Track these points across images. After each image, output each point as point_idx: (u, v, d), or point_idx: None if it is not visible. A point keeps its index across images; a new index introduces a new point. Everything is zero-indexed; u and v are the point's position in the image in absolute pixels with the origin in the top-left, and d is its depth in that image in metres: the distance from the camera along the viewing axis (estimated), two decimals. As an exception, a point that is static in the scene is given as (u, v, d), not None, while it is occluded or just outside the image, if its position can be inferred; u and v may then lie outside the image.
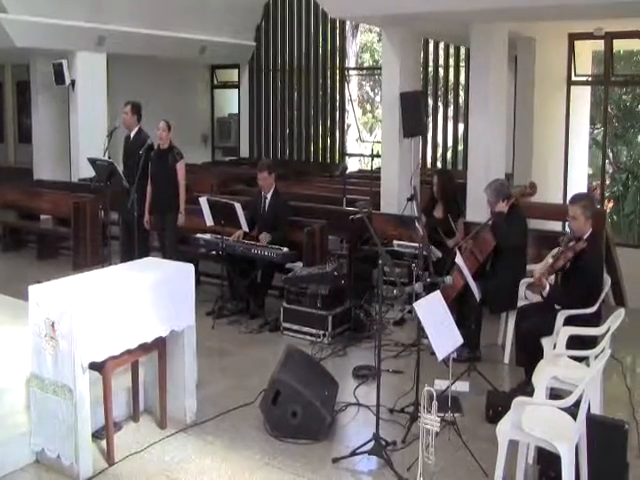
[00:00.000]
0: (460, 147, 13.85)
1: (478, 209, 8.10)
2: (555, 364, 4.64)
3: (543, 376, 4.31)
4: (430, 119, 13.53)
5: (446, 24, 9.56)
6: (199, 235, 7.55)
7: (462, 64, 13.61)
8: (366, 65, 19.73)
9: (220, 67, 16.57)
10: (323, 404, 4.76)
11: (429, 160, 14.02)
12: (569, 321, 5.09)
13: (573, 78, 11.44)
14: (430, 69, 13.85)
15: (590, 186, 14.11)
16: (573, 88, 11.48)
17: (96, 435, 4.51)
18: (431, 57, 13.86)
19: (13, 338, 5.10)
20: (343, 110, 15.07)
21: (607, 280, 5.44)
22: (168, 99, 13.84)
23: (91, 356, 4.14)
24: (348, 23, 15.31)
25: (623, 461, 3.93)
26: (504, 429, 3.80)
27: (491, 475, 3.97)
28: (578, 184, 11.79)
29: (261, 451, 4.56)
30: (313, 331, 6.61)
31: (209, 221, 7.30)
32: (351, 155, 16.08)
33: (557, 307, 5.28)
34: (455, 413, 4.85)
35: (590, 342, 4.82)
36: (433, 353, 4.40)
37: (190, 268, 4.95)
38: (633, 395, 5.31)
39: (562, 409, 3.81)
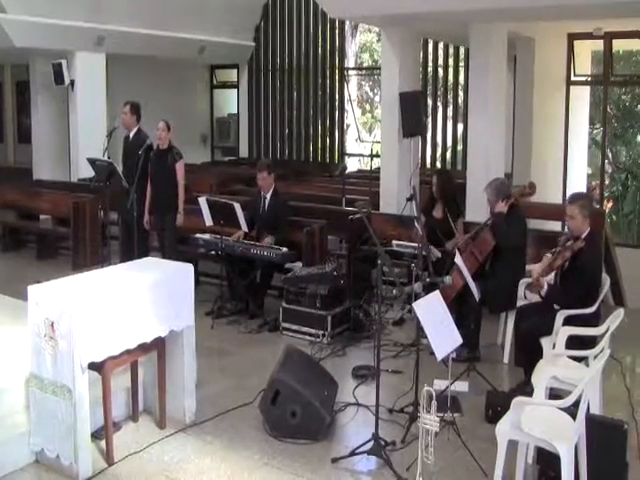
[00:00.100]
0: (459, 147, 13.85)
1: (478, 209, 8.11)
2: (554, 364, 4.65)
3: (542, 376, 4.31)
4: (429, 119, 13.53)
5: (445, 24, 9.56)
6: (198, 235, 7.55)
7: (461, 64, 13.61)
8: (365, 65, 19.73)
9: (219, 67, 16.57)
10: (322, 404, 4.76)
11: (428, 160, 14.02)
12: (568, 321, 5.09)
13: (572, 78, 11.44)
14: (429, 69, 13.85)
15: (589, 186, 14.11)
16: (572, 88, 11.48)
17: (95, 435, 4.51)
18: (430, 57, 13.87)
19: (12, 338, 5.09)
20: (342, 110, 15.07)
21: (606, 280, 5.44)
22: (167, 99, 13.84)
23: (90, 356, 4.14)
24: (347, 23, 15.31)
25: (622, 461, 3.93)
26: (503, 429, 3.80)
27: (490, 475, 3.97)
28: (577, 184, 11.79)
29: (260, 451, 4.56)
30: (312, 331, 6.61)
31: (208, 221, 7.30)
32: (350, 155, 16.08)
33: (556, 307, 5.28)
34: (454, 413, 4.85)
35: (589, 342, 4.82)
36: (432, 353, 4.39)
37: (189, 268, 4.94)
38: (632, 395, 5.31)
39: (561, 409, 3.81)
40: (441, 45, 13.74)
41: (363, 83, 20.05)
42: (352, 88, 16.96)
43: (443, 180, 7.30)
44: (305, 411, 4.67)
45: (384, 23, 9.33)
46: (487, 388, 5.26)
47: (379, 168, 10.00)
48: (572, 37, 11.04)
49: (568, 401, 3.67)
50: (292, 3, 14.97)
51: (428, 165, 13.71)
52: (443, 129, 13.90)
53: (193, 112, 15.91)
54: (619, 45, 12.24)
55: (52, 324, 4.10)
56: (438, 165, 13.87)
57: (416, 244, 6.48)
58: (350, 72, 16.34)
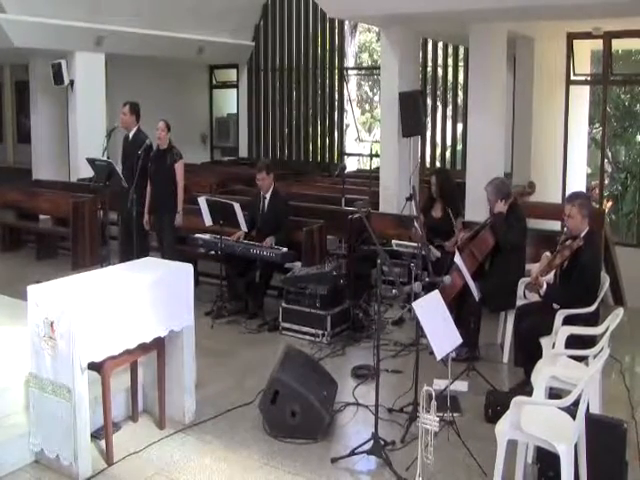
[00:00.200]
0: (459, 147, 13.85)
1: (477, 208, 8.10)
2: (554, 363, 4.64)
3: (542, 375, 4.31)
4: (429, 119, 13.52)
5: (445, 24, 9.56)
6: (198, 235, 7.55)
7: (461, 64, 13.61)
8: (365, 65, 19.73)
9: (219, 67, 16.57)
10: (322, 404, 4.76)
11: (428, 160, 14.02)
12: (568, 321, 5.09)
13: (572, 77, 11.42)
14: (429, 69, 13.85)
15: (589, 185, 14.10)
16: (572, 87, 11.46)
17: (95, 435, 4.52)
18: (430, 57, 13.86)
19: (12, 338, 5.10)
20: (342, 110, 15.07)
21: (606, 279, 5.44)
22: (167, 99, 13.84)
23: (90, 356, 4.14)
24: (347, 23, 15.31)
25: (622, 460, 3.93)
26: (503, 429, 3.80)
27: (490, 475, 3.97)
28: (577, 183, 11.77)
29: (260, 451, 4.57)
30: (312, 331, 6.62)
31: (208, 221, 7.30)
32: (350, 155, 16.06)
33: (555, 306, 5.28)
34: (454, 413, 4.85)
35: (589, 341, 4.82)
36: (432, 353, 4.39)
37: (189, 268, 4.94)
38: (632, 394, 5.32)
39: (561, 408, 3.81)
40: (441, 45, 13.73)
41: (362, 83, 20.05)
42: (351, 88, 16.96)
43: (442, 179, 7.29)
44: (305, 411, 4.67)
45: (383, 23, 9.33)
46: (487, 388, 5.26)
47: (378, 168, 10.00)
48: (571, 36, 11.02)
49: (568, 400, 3.67)
50: (291, 3, 14.98)
51: (428, 165, 13.70)
52: (442, 129, 13.90)
53: (193, 112, 15.90)
54: (618, 44, 12.21)
55: (52, 324, 4.10)
56: (438, 165, 13.87)
57: (416, 244, 6.48)
58: (349, 72, 16.34)
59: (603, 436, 3.89)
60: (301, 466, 4.39)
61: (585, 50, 11.95)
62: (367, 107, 20.68)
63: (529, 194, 9.99)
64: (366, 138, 18.20)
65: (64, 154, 12.55)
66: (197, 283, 7.52)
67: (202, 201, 7.32)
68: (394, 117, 9.26)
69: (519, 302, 5.90)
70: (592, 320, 5.12)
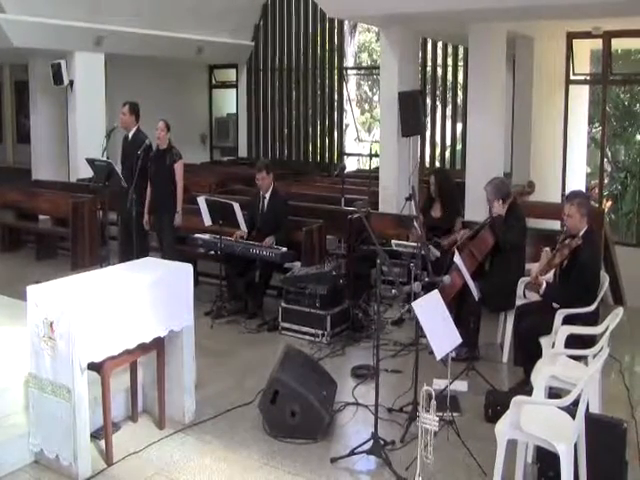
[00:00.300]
0: (459, 146, 13.85)
1: (477, 208, 8.10)
2: (554, 363, 4.64)
3: (542, 375, 4.31)
4: (428, 118, 13.52)
5: (444, 24, 9.56)
6: (198, 235, 7.54)
7: (460, 63, 13.61)
8: (364, 65, 19.72)
9: (218, 67, 16.56)
10: (322, 404, 4.76)
11: (428, 160, 14.02)
12: (568, 320, 5.09)
13: (571, 77, 11.42)
14: (428, 68, 13.84)
15: (588, 185, 14.11)
16: (571, 87, 11.46)
17: (95, 435, 4.52)
18: (429, 56, 13.86)
19: (12, 338, 5.10)
20: (341, 110, 15.06)
21: (605, 279, 5.44)
22: (166, 99, 13.83)
23: (90, 356, 4.14)
24: (346, 23, 15.30)
25: (622, 460, 3.93)
26: (503, 428, 3.80)
27: (490, 474, 3.97)
28: (576, 183, 11.76)
29: (259, 451, 4.57)
30: (312, 331, 6.62)
31: (207, 221, 7.30)
32: (349, 155, 16.06)
33: (555, 306, 5.28)
34: (454, 412, 4.84)
35: (589, 341, 4.82)
36: (432, 352, 4.39)
37: (188, 268, 4.94)
38: (632, 394, 5.32)
39: (561, 408, 3.81)
40: (440, 44, 13.73)
41: (362, 83, 20.04)
42: (351, 88, 16.95)
43: (440, 179, 7.30)
44: (304, 411, 4.67)
45: (383, 23, 9.32)
46: (486, 387, 5.26)
47: (378, 168, 10.00)
48: (571, 36, 11.02)
49: (567, 400, 3.67)
50: (291, 3, 14.97)
51: (427, 165, 13.70)
52: (442, 128, 13.90)
53: (192, 112, 15.90)
54: (618, 44, 12.22)
55: (51, 324, 4.10)
56: (437, 165, 13.87)
57: (415, 243, 6.48)
58: (349, 72, 16.33)
59: (603, 436, 3.89)
60: (301, 466, 4.39)
61: (585, 50, 11.95)
62: (367, 107, 20.67)
63: (528, 194, 9.98)
64: (366, 138, 18.20)
65: (64, 154, 12.55)
66: (197, 283, 7.52)
67: (201, 201, 7.32)
68: (394, 117, 9.26)
69: (519, 302, 5.90)
70: (592, 320, 5.12)
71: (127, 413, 4.97)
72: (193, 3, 12.79)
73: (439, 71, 13.92)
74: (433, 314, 4.48)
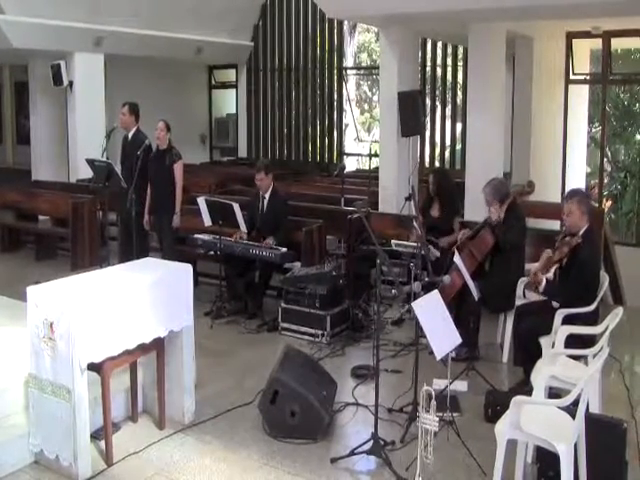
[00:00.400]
0: (458, 146, 13.85)
1: (476, 208, 8.08)
2: (554, 363, 4.64)
3: (542, 375, 4.32)
4: (428, 118, 13.52)
5: (444, 23, 9.56)
6: (197, 235, 7.54)
7: (460, 63, 13.60)
8: (364, 65, 19.73)
9: (218, 67, 16.56)
10: (322, 404, 4.76)
11: (427, 159, 14.02)
12: (567, 320, 5.09)
13: (571, 77, 11.42)
14: (428, 68, 13.84)
15: (588, 185, 14.11)
16: (571, 87, 11.46)
17: (95, 436, 4.52)
18: (429, 56, 13.86)
19: (12, 339, 5.10)
20: (341, 110, 15.07)
21: (605, 278, 5.44)
22: (166, 99, 13.83)
23: (89, 357, 4.14)
24: (346, 23, 15.30)
25: (622, 460, 3.93)
26: (503, 428, 3.80)
27: (490, 474, 3.97)
28: (576, 183, 11.76)
29: (259, 451, 4.57)
30: (311, 331, 6.62)
31: (207, 221, 7.30)
32: (349, 155, 16.07)
33: (555, 305, 5.28)
34: (454, 413, 4.84)
35: (588, 341, 4.82)
36: (431, 352, 4.38)
37: (188, 268, 4.94)
38: (632, 394, 5.32)
39: (561, 408, 3.81)
40: (440, 44, 13.73)
41: (362, 83, 20.05)
42: (351, 88, 16.96)
43: (439, 178, 7.30)
44: (304, 411, 4.67)
45: (383, 23, 9.32)
46: (486, 387, 5.27)
47: (378, 168, 10.00)
48: (571, 36, 11.02)
49: (567, 400, 3.67)
50: (290, 3, 14.97)
51: (427, 164, 13.70)
52: (442, 128, 13.90)
53: (192, 112, 15.90)
54: (618, 44, 12.22)
55: (51, 325, 4.10)
56: (437, 164, 13.87)
57: (415, 243, 6.48)
58: (349, 72, 16.33)
59: (603, 436, 3.89)
60: (301, 466, 4.39)
61: (584, 49, 11.96)
62: (366, 107, 20.68)
63: (528, 193, 9.97)
64: (365, 138, 18.21)
65: (63, 155, 12.55)
66: (196, 283, 7.52)
67: (201, 201, 7.32)
68: (393, 117, 9.26)
69: (518, 302, 5.91)
70: (591, 319, 5.12)
71: (127, 413, 4.97)
72: (192, 3, 12.79)
73: (439, 71, 13.92)
74: (433, 314, 4.48)
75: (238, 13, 14.45)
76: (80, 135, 11.75)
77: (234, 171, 13.45)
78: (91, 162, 7.77)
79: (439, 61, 13.90)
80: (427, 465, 3.99)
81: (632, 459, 4.14)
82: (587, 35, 10.64)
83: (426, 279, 5.91)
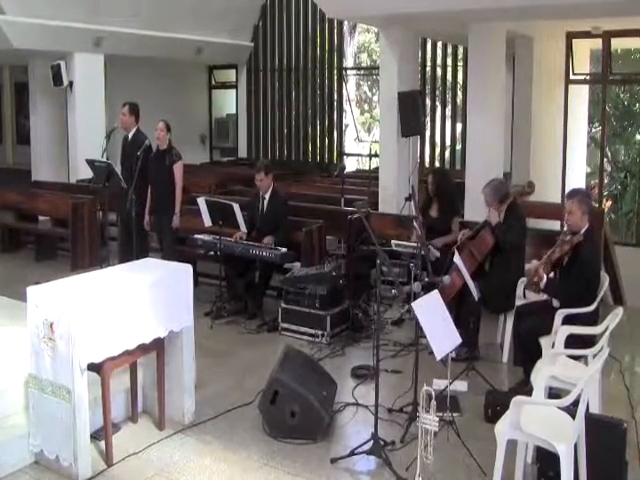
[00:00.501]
0: (458, 146, 13.85)
1: (476, 208, 8.08)
2: (554, 363, 4.64)
3: (542, 375, 4.31)
4: (428, 119, 13.52)
5: (444, 24, 9.56)
6: (197, 235, 7.54)
7: (460, 63, 13.61)
8: (364, 65, 19.73)
9: (218, 67, 16.56)
10: (321, 404, 4.76)
11: (427, 160, 14.02)
12: (567, 320, 5.09)
13: (571, 77, 11.42)
14: (428, 68, 13.84)
15: (588, 185, 14.11)
16: (571, 87, 11.46)
17: (95, 436, 4.52)
18: (429, 56, 13.87)
19: (12, 339, 5.10)
20: (341, 110, 15.07)
21: (605, 278, 5.44)
22: (166, 100, 13.83)
23: (89, 357, 4.14)
24: (346, 23, 15.31)
25: (622, 460, 3.93)
26: (503, 429, 3.80)
27: (490, 474, 3.97)
28: (576, 183, 11.75)
29: (259, 451, 4.57)
30: (311, 331, 6.62)
31: (207, 221, 7.29)
32: (349, 155, 16.07)
33: (555, 304, 5.28)
34: (454, 413, 4.84)
35: (589, 341, 4.82)
36: (431, 353, 4.39)
37: (188, 269, 4.94)
38: (632, 394, 5.32)
39: (561, 408, 3.81)
40: (440, 44, 13.73)
41: (362, 83, 20.06)
42: (351, 88, 16.96)
43: (438, 178, 7.30)
44: (304, 411, 4.67)
45: (383, 23, 9.32)
46: (486, 387, 5.26)
47: (378, 168, 10.00)
48: (571, 36, 11.02)
49: (567, 400, 3.67)
50: (290, 3, 14.97)
51: (427, 165, 13.70)
52: (442, 128, 13.90)
53: (192, 112, 15.90)
54: (618, 44, 12.22)
55: (51, 325, 4.10)
56: (437, 165, 13.87)
57: (415, 244, 6.48)
58: (349, 72, 16.33)
59: (603, 436, 3.89)
60: (301, 466, 4.39)
61: (584, 49, 11.96)
62: (366, 107, 20.68)
63: (528, 194, 9.95)
64: (365, 138, 18.22)
65: (63, 155, 12.55)
66: (196, 284, 7.52)
67: (201, 202, 7.32)
68: (393, 117, 9.26)
69: (518, 302, 5.90)
70: (591, 320, 5.11)
71: (127, 414, 4.96)
72: (192, 4, 12.79)
73: (439, 71, 13.92)
74: (433, 314, 4.48)
75: (238, 13, 14.45)
76: (80, 135, 11.75)
77: (234, 171, 13.46)
78: (91, 162, 7.78)
79: (439, 61, 13.90)
80: (427, 465, 3.99)
81: (632, 459, 4.14)
82: (587, 35, 10.65)
83: (426, 279, 5.91)
